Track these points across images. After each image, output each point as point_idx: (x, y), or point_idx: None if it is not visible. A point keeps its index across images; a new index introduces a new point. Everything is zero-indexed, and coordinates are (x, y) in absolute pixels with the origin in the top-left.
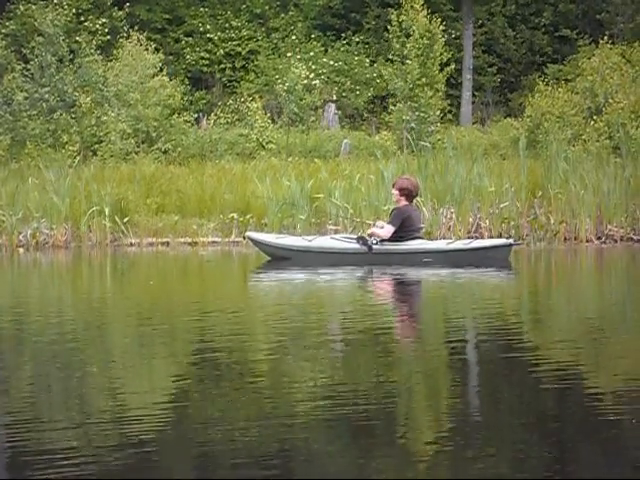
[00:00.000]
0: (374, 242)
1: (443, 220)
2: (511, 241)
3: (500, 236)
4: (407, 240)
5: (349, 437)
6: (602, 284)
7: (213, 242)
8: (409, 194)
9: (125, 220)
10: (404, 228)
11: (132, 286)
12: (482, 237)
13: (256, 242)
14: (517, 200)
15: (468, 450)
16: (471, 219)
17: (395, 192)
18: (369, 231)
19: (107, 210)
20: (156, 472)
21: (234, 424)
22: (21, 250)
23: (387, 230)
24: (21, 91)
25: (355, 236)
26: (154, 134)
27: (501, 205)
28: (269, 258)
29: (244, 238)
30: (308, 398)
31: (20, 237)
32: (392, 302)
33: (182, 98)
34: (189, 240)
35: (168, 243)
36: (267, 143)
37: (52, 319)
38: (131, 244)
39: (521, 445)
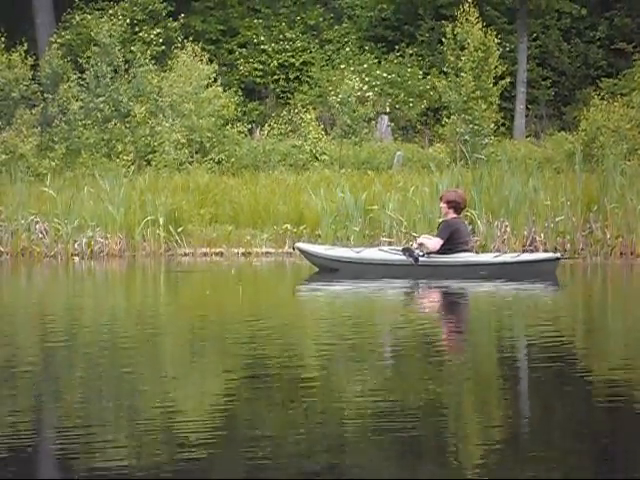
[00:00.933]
0: (420, 254)
1: (498, 233)
2: (558, 255)
3: (555, 250)
4: (455, 253)
5: (398, 452)
6: None
7: (267, 253)
8: (457, 206)
9: (179, 230)
10: (452, 241)
11: (186, 296)
12: (536, 251)
13: (305, 253)
14: (572, 214)
15: (517, 465)
16: (526, 232)
17: (443, 205)
18: (418, 241)
19: (161, 220)
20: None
21: (283, 438)
22: (76, 259)
23: (436, 242)
24: (76, 100)
25: (401, 247)
26: (208, 144)
27: (556, 219)
28: (317, 269)
29: (294, 249)
30: (357, 412)
31: (75, 246)
32: (440, 315)
33: (236, 109)
34: (243, 250)
35: (222, 253)
36: (320, 154)
37: (105, 328)
38: (185, 254)
39: (571, 460)
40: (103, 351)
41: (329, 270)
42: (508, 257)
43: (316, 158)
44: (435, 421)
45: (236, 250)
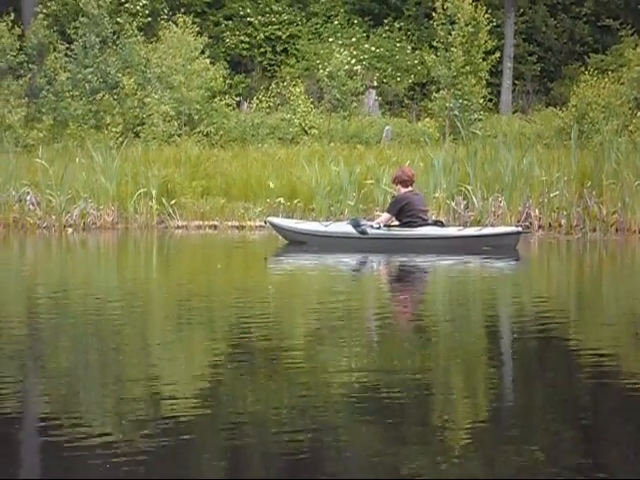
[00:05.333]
0: (375, 226)
1: (492, 209)
2: (520, 229)
3: (550, 226)
4: (417, 227)
5: (382, 422)
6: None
7: (260, 226)
8: (403, 181)
9: (172, 202)
10: (407, 213)
11: (178, 268)
12: (532, 227)
13: (275, 226)
14: (567, 190)
15: (502, 436)
16: (520, 208)
17: (393, 185)
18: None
19: (154, 192)
20: (188, 452)
21: (267, 407)
22: (69, 230)
23: (384, 217)
24: (64, 71)
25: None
26: (196, 117)
27: (551, 194)
28: (287, 242)
29: (265, 223)
30: (341, 385)
31: (67, 217)
32: (398, 289)
33: (223, 81)
34: (237, 224)
35: (215, 226)
36: (310, 128)
37: (94, 299)
38: (178, 226)
39: (555, 431)
40: (91, 321)
41: (298, 243)
42: (471, 231)
43: (305, 132)
44: (418, 395)
45: (230, 223)
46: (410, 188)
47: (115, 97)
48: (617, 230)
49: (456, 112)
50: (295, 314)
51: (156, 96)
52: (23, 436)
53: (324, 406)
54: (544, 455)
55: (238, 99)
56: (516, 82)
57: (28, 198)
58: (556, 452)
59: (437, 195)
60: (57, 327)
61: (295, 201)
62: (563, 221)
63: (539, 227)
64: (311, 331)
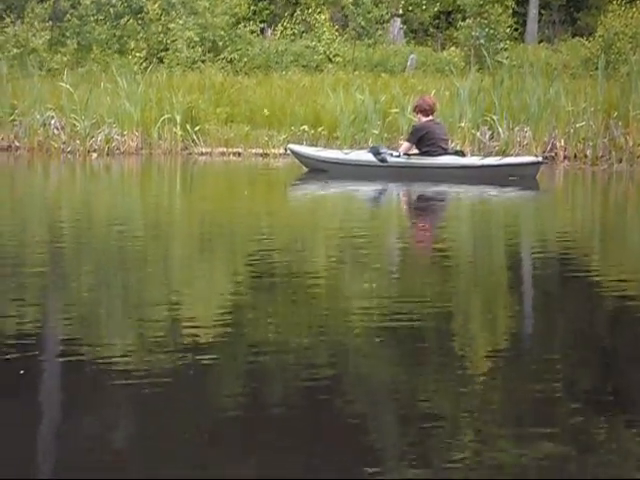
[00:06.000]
0: (395, 154)
1: (518, 139)
2: (540, 159)
3: (575, 157)
4: (437, 156)
5: (402, 350)
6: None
7: (284, 154)
8: (423, 110)
9: (196, 129)
10: (426, 142)
11: (201, 195)
12: (557, 157)
13: (296, 154)
14: (593, 121)
15: (522, 366)
16: (546, 138)
17: (414, 114)
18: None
19: (178, 118)
20: (206, 378)
21: (287, 332)
22: (94, 155)
23: (405, 146)
24: None
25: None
26: (220, 43)
27: (577, 125)
28: (307, 169)
29: (286, 150)
30: (362, 309)
31: (92, 142)
32: (416, 217)
33: (248, 7)
34: (260, 151)
35: (239, 154)
36: (334, 56)
37: (119, 225)
38: (202, 153)
39: (576, 363)
40: (113, 247)
41: (319, 171)
42: (491, 160)
43: (329, 60)
44: (438, 324)
45: (253, 150)
46: (431, 117)
47: (139, 22)
48: None
49: (482, 41)
50: (316, 242)
51: (180, 21)
52: (44, 356)
53: (344, 332)
54: (563, 387)
55: (262, 26)
56: (542, 11)
57: (52, 122)
58: (576, 384)
59: (462, 125)
60: (79, 252)
61: (319, 129)
62: (589, 152)
63: (564, 157)
64: (332, 258)
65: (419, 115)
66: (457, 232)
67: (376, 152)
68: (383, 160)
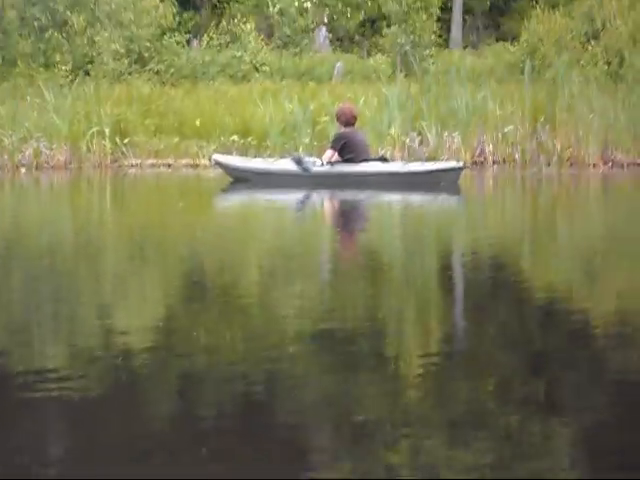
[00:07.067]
0: (318, 163)
1: (447, 144)
2: (461, 164)
3: (504, 161)
4: (360, 162)
5: (335, 361)
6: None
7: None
8: (342, 120)
9: (125, 141)
10: (348, 150)
11: (130, 208)
12: (485, 162)
13: (220, 164)
14: (521, 124)
15: (454, 369)
16: (475, 143)
17: (336, 123)
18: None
19: (107, 131)
20: (139, 385)
21: (220, 346)
22: (22, 170)
23: (327, 154)
24: (12, 9)
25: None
26: (146, 55)
27: (505, 129)
28: (231, 180)
29: (209, 160)
30: (294, 316)
31: (20, 157)
32: (340, 225)
33: (173, 18)
34: (190, 162)
35: (170, 165)
36: (261, 65)
37: (50, 239)
38: (132, 165)
39: (506, 365)
40: (44, 261)
41: (243, 180)
42: (414, 166)
43: (256, 69)
44: (374, 333)
45: (184, 161)
46: (352, 127)
47: (64, 35)
48: (571, 164)
49: (408, 48)
50: (244, 253)
51: (106, 34)
52: None
53: (278, 339)
54: (495, 388)
55: (188, 36)
56: (466, 17)
57: None
58: (507, 385)
59: (392, 131)
60: (9, 266)
61: (249, 139)
62: (517, 156)
63: (494, 162)
64: (262, 268)
65: (339, 124)
66: (382, 239)
67: (298, 161)
68: (306, 169)
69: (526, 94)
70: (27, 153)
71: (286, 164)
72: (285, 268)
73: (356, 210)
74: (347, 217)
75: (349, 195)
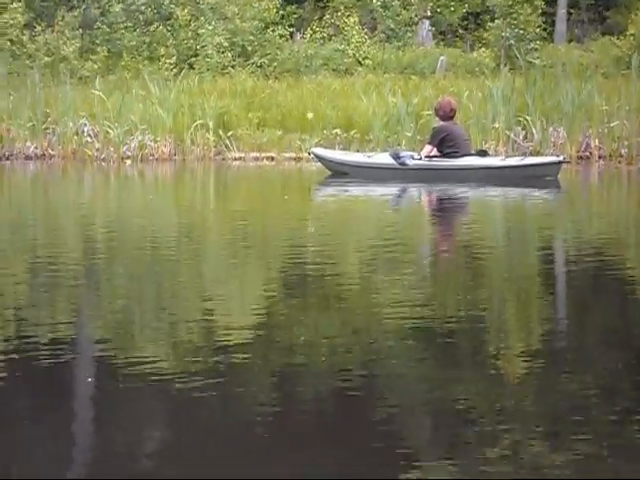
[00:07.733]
0: (416, 157)
1: (552, 139)
2: (561, 158)
3: (610, 156)
4: (459, 157)
5: (435, 352)
6: None
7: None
8: (440, 113)
9: (229, 134)
10: (447, 144)
11: (234, 200)
12: (591, 157)
13: (319, 157)
14: (628, 120)
15: (556, 366)
16: (580, 138)
17: (435, 117)
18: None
19: (211, 124)
20: (239, 379)
21: (320, 340)
22: (127, 162)
23: (426, 149)
24: (118, 2)
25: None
26: (249, 48)
27: (612, 124)
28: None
29: (309, 154)
30: (394, 320)
31: (125, 149)
32: (436, 219)
33: (276, 12)
34: (294, 155)
35: (273, 158)
36: (363, 59)
37: (153, 230)
38: (236, 158)
39: (610, 362)
40: (148, 252)
41: (340, 174)
42: (513, 161)
43: (359, 63)
44: (474, 327)
45: (287, 155)
46: (451, 120)
47: (168, 28)
48: None
49: (512, 41)
50: (344, 246)
51: (210, 27)
52: (78, 361)
53: (377, 334)
54: (597, 386)
55: (291, 30)
56: (571, 11)
57: (86, 130)
58: (610, 382)
59: (496, 125)
60: (114, 258)
61: (352, 132)
62: (624, 151)
63: (599, 157)
64: (363, 262)
65: (437, 118)
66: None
67: (396, 156)
68: (403, 163)
69: (633, 89)
70: (132, 145)
71: (384, 158)
72: (386, 259)
73: (452, 203)
74: (445, 210)
75: (445, 189)
